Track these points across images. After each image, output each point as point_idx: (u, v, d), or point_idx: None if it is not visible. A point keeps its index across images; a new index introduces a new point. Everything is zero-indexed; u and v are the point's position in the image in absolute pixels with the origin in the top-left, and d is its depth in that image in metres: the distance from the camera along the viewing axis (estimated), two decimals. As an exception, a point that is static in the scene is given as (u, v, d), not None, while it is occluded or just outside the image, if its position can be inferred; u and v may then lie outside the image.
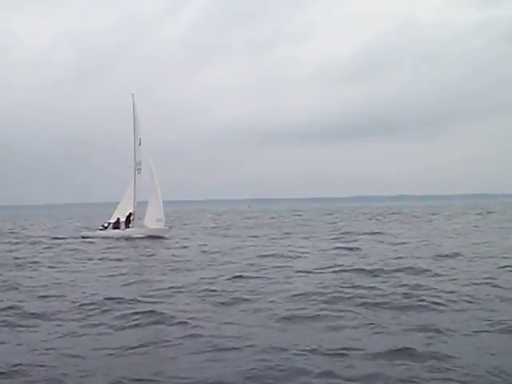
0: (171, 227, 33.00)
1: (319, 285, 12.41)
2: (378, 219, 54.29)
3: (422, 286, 11.85)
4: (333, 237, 28.40)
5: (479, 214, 60.21)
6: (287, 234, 32.42)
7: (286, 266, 16.02)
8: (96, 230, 33.52)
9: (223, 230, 38.70)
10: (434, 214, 64.24)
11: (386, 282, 12.64)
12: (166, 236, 30.45)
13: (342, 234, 30.84)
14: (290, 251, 20.67)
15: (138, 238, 29.90)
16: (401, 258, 17.57)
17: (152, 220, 31.12)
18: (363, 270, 14.61)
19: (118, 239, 29.76)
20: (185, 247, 24.53)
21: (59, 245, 27.02)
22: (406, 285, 11.99)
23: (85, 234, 33.36)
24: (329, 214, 75.77)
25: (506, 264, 15.09)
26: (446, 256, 17.65)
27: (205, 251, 21.99)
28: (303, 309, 9.89)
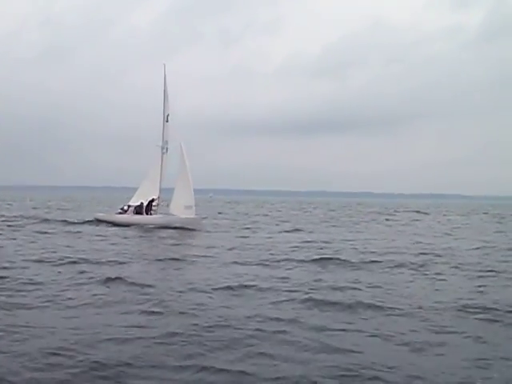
0: (205, 217, 29.38)
1: None
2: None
3: None
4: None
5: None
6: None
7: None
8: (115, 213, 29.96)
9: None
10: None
11: None
12: (200, 228, 26.73)
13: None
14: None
15: (163, 227, 26.44)
16: None
17: (179, 207, 27.38)
18: None
19: (140, 226, 26.37)
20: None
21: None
22: None
23: (100, 216, 29.83)
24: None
25: None
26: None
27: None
28: None
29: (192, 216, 27.22)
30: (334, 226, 31.87)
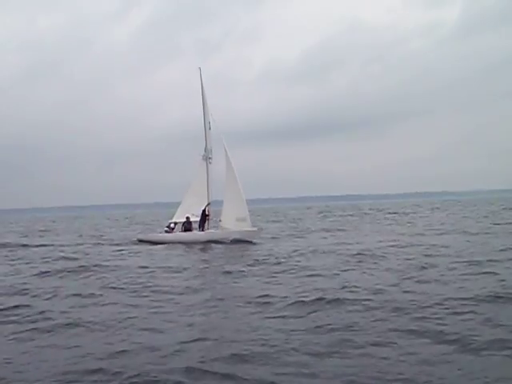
0: (261, 228, 27.13)
1: None
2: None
3: None
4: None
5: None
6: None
7: None
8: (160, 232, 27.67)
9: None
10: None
11: None
12: (254, 240, 24.52)
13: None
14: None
15: (222, 242, 24.23)
16: None
17: (230, 219, 25.22)
18: None
19: (192, 244, 24.15)
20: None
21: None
22: None
23: (144, 236, 27.38)
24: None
25: None
26: None
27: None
28: None
29: (248, 228, 25.14)
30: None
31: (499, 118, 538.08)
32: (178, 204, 27.67)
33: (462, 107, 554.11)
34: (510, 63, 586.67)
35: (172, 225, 26.58)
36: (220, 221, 25.63)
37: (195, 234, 25.57)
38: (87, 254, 21.03)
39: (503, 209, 55.18)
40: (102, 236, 32.78)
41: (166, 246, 23.87)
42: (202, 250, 22.58)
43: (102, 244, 26.36)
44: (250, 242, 24.12)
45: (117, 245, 25.49)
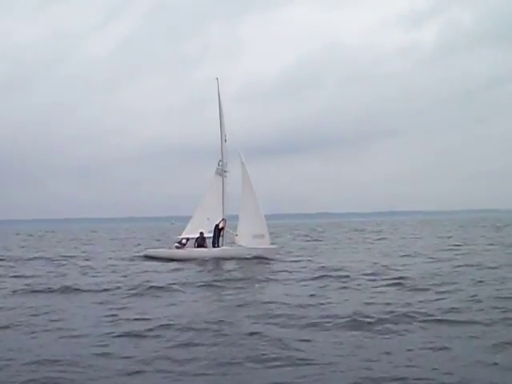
0: (282, 246, 25.93)
1: None
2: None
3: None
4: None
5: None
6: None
7: None
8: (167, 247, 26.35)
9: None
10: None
11: None
12: (273, 258, 23.45)
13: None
14: None
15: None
16: None
17: (247, 236, 24.16)
18: None
19: (206, 261, 22.95)
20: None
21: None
22: None
23: (153, 252, 25.93)
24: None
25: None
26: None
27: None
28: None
29: (267, 246, 24.17)
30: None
31: (473, 141, 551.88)
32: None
33: (437, 129, 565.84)
34: (483, 88, 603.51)
35: (184, 240, 25.28)
36: (236, 235, 24.49)
37: (209, 251, 24.33)
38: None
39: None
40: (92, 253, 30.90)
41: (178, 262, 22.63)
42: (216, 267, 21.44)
43: (111, 259, 24.95)
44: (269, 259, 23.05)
45: (123, 260, 24.13)
